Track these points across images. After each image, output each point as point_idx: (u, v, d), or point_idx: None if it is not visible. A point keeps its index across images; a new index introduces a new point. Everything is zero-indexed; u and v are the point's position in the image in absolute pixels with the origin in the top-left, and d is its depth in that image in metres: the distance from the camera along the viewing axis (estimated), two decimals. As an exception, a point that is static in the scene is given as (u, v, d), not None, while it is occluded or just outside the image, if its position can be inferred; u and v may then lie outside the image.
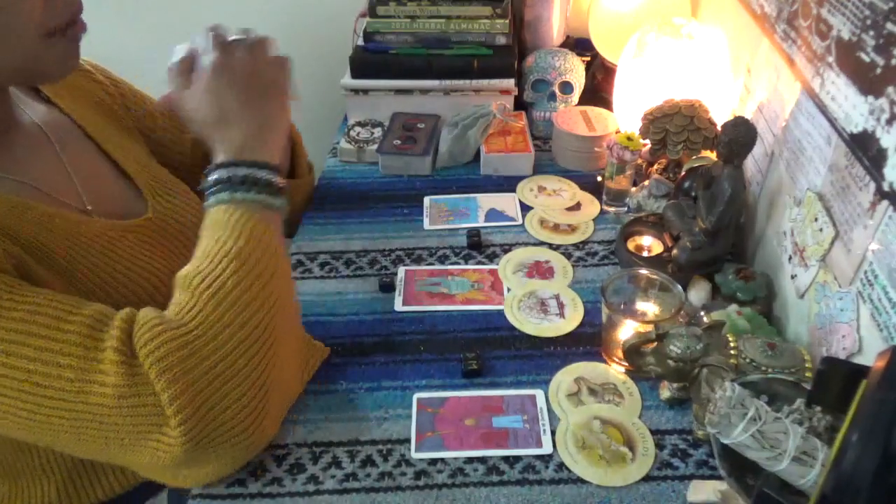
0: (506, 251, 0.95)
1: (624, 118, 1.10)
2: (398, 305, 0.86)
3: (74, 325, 0.57)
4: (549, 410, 0.72)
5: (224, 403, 0.58)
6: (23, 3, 0.58)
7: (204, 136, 0.68)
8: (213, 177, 0.66)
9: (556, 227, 0.99)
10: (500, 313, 0.85)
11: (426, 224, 1.01)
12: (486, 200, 1.05)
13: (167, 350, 0.56)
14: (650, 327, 0.71)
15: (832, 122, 0.69)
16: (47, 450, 0.72)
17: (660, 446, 0.68)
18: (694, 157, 0.96)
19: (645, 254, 0.91)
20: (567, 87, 1.20)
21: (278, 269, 0.65)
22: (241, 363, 0.59)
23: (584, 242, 0.96)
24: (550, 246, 0.96)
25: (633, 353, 0.71)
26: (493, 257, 0.94)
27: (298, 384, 0.72)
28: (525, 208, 1.03)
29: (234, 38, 0.70)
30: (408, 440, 0.70)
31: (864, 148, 0.63)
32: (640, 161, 1.03)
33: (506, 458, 0.68)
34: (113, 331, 0.57)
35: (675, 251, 0.86)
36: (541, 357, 0.79)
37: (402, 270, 0.92)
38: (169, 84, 0.70)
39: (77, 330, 0.57)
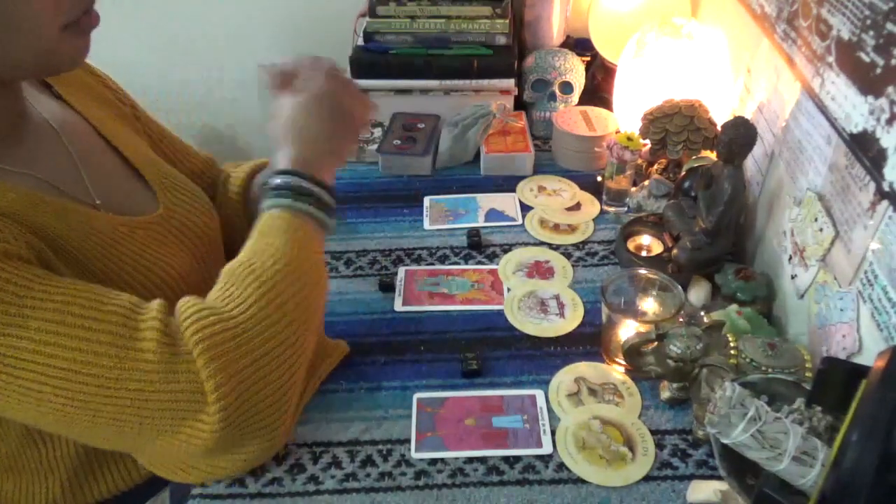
0: (506, 251, 0.95)
1: (624, 118, 1.10)
2: (398, 305, 0.86)
3: (110, 312, 0.58)
4: (549, 410, 0.72)
5: (261, 395, 0.60)
6: None
7: (274, 138, 0.72)
8: (276, 180, 0.69)
9: (556, 227, 0.99)
10: (500, 313, 0.85)
11: (426, 224, 1.01)
12: (486, 200, 1.05)
13: (219, 339, 0.58)
14: (650, 327, 0.71)
15: (832, 122, 0.69)
16: (52, 445, 0.71)
17: (660, 446, 0.68)
18: (694, 157, 0.96)
19: (645, 254, 0.91)
20: (567, 87, 1.20)
21: (321, 280, 0.69)
22: (280, 360, 0.62)
23: (584, 242, 0.96)
24: (550, 246, 0.96)
25: (633, 353, 0.71)
26: (493, 257, 0.94)
27: (309, 389, 0.74)
28: (525, 208, 1.03)
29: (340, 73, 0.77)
30: (408, 440, 0.70)
31: (864, 148, 0.63)
32: (640, 161, 1.03)
33: (506, 458, 0.68)
34: (150, 315, 0.59)
35: (675, 251, 0.86)
36: (541, 357, 0.79)
37: (402, 270, 0.92)
38: (264, 80, 0.75)
39: (113, 319, 0.58)
